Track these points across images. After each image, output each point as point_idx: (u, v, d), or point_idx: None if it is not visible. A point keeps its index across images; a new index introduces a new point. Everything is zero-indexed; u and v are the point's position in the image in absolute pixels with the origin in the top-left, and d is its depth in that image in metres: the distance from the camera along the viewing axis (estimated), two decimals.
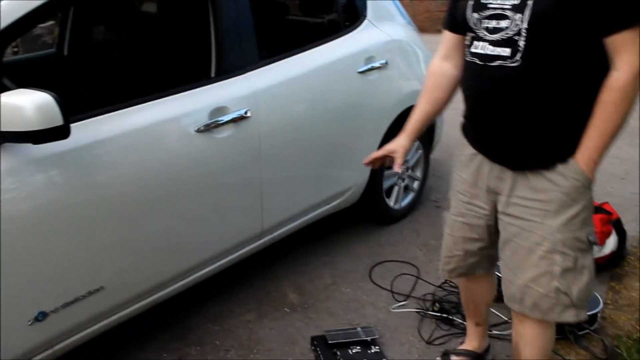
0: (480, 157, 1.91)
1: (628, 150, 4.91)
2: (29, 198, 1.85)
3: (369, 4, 3.29)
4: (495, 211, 1.94)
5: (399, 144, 2.09)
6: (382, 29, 3.30)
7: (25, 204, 1.84)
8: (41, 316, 1.96)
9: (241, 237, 2.67)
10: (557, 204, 1.76)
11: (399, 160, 2.06)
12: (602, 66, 1.63)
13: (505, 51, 1.68)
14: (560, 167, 1.74)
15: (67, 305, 2.03)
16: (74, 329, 2.12)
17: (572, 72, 1.66)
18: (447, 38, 2.01)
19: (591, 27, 1.60)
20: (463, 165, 1.99)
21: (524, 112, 1.72)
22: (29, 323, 1.94)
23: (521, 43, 1.65)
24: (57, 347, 2.09)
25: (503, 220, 1.90)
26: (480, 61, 1.77)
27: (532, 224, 1.80)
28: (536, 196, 1.79)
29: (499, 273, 2.06)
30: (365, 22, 3.24)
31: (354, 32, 3.16)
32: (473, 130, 1.93)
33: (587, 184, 1.75)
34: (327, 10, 3.43)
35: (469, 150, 1.96)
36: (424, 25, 9.01)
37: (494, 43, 1.71)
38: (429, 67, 2.10)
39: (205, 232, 2.48)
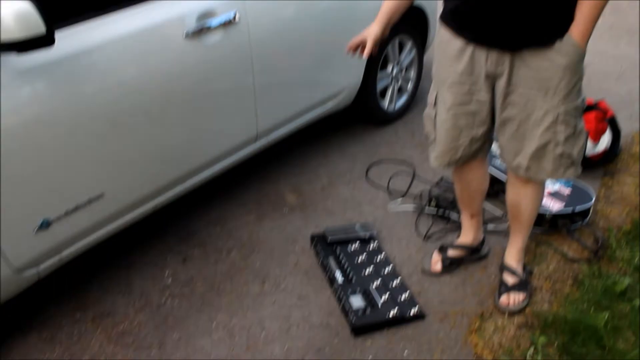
0: (471, 48, 1.93)
1: (626, 49, 4.87)
2: (22, 109, 1.84)
3: None
4: (493, 95, 2.00)
5: (369, 31, 2.08)
6: None
7: (20, 116, 1.83)
8: (45, 224, 2.00)
9: (237, 141, 2.68)
10: (557, 79, 1.86)
11: (368, 47, 2.06)
12: None
13: None
14: (558, 44, 1.82)
15: (69, 212, 2.06)
16: (78, 236, 2.16)
17: None
18: None
19: None
20: (453, 58, 1.99)
21: None
22: (34, 231, 1.98)
23: None
24: (63, 253, 2.15)
25: (505, 100, 1.96)
26: None
27: (535, 100, 1.91)
28: (536, 74, 1.87)
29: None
30: None
31: None
32: (470, 18, 1.91)
33: (582, 56, 1.87)
34: None
35: (457, 43, 1.96)
36: None
37: None
38: None
39: (200, 137, 2.48)
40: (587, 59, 1.90)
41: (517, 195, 2.21)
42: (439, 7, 2.11)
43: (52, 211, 2.01)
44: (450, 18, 1.99)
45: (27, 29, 1.67)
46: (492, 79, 1.97)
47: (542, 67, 1.86)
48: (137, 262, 2.57)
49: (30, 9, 1.66)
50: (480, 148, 2.18)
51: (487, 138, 2.16)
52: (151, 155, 2.29)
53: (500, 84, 1.94)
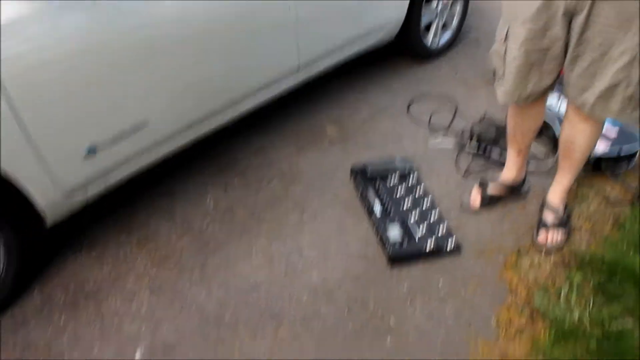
0: None
1: None
2: (68, 38, 1.85)
3: None
4: (569, 32, 1.92)
5: None
6: None
7: (66, 45, 1.85)
8: (92, 149, 2.05)
9: (278, 72, 2.68)
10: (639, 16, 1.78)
11: None
12: None
13: None
14: None
15: (115, 138, 2.11)
16: (123, 162, 2.21)
17: None
18: None
19: None
20: None
21: None
22: (83, 156, 2.04)
23: None
24: (110, 178, 2.21)
25: (581, 37, 1.89)
26: None
27: (613, 38, 1.83)
28: (618, 13, 1.79)
29: None
30: None
31: None
32: None
33: None
34: None
35: None
36: None
37: None
38: None
39: (242, 66, 2.49)
40: None
41: (574, 132, 2.17)
42: None
43: (98, 136, 2.06)
44: None
45: None
46: (569, 15, 1.88)
47: (625, 6, 1.77)
48: (179, 190, 2.63)
49: None
50: (549, 86, 2.11)
51: (557, 74, 2.09)
52: (193, 84, 2.31)
53: (579, 20, 1.86)
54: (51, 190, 2.00)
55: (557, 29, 1.92)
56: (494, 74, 2.21)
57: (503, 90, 2.17)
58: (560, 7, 1.86)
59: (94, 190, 2.18)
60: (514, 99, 2.15)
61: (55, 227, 2.16)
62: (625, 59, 1.84)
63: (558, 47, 1.96)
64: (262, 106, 2.72)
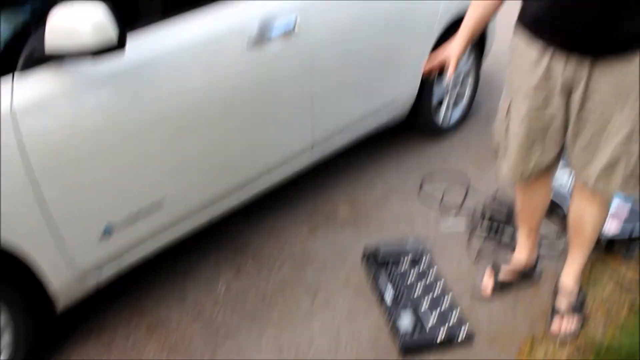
0: (548, 57, 1.87)
1: None
2: (91, 115, 1.90)
3: None
4: (568, 106, 1.95)
5: (452, 50, 2.07)
6: None
7: (89, 122, 1.90)
8: (109, 229, 2.08)
9: (293, 149, 2.71)
10: (637, 93, 1.82)
11: (452, 66, 2.06)
12: None
13: None
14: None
15: (131, 217, 2.14)
16: (138, 242, 2.24)
17: None
18: None
19: None
20: (529, 67, 1.94)
21: None
22: (99, 236, 2.06)
23: None
24: (123, 260, 2.23)
25: (581, 111, 1.91)
26: None
27: (611, 112, 1.86)
28: (615, 86, 1.82)
29: None
30: None
31: None
32: (552, 20, 1.84)
33: None
34: None
35: (533, 51, 1.91)
36: None
37: None
38: None
39: (258, 144, 2.52)
40: None
41: (581, 210, 2.17)
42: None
43: (115, 216, 2.09)
44: (530, 21, 1.92)
45: (101, 35, 1.69)
46: (568, 90, 1.91)
47: (623, 76, 1.80)
48: (193, 271, 2.65)
49: (105, 16, 1.70)
50: (552, 161, 2.12)
51: (559, 151, 2.11)
52: (210, 163, 2.35)
53: (577, 94, 1.89)
54: (65, 271, 2.02)
55: (556, 105, 1.95)
56: (497, 150, 2.24)
57: (506, 166, 2.19)
58: (557, 83, 1.90)
59: (107, 272, 2.20)
60: (518, 175, 2.17)
61: (64, 309, 2.16)
62: (624, 132, 1.87)
63: (558, 123, 1.99)
64: (275, 186, 2.75)
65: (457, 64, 2.08)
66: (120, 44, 1.77)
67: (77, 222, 1.99)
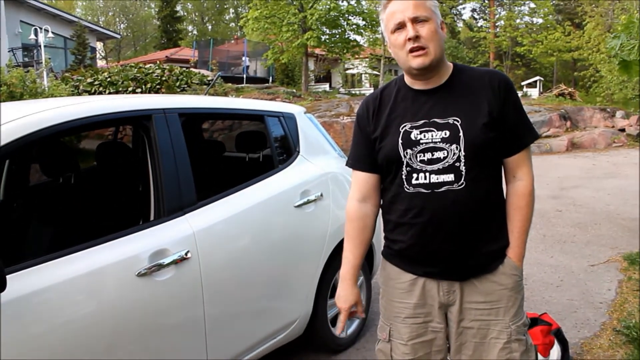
0: (422, 281, 2.04)
1: (560, 258, 5.11)
2: None
3: (301, 140, 3.46)
4: (447, 322, 2.06)
5: (352, 295, 2.15)
6: (315, 163, 3.45)
7: None
8: None
9: None
10: (506, 300, 2.00)
11: (360, 308, 2.18)
12: (500, 179, 2.05)
13: (450, 177, 1.94)
14: (501, 268, 2.01)
15: None
16: None
17: (493, 184, 2.01)
18: (364, 179, 2.12)
19: (503, 149, 2.00)
20: (404, 292, 2.07)
21: (472, 226, 1.97)
22: None
23: (462, 168, 1.92)
24: None
25: (460, 326, 2.03)
26: (427, 189, 1.95)
27: (488, 322, 2.00)
28: (486, 298, 2.00)
29: None
30: (299, 157, 3.38)
31: (289, 167, 3.29)
32: (421, 254, 2.02)
33: (521, 276, 2.06)
34: (262, 146, 3.58)
35: (406, 277, 2.06)
36: None
37: (437, 172, 1.94)
38: (347, 210, 2.16)
39: None
40: (527, 271, 2.02)
41: None
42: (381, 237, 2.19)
43: None
44: (397, 257, 2.09)
45: None
46: (444, 308, 2.04)
47: (491, 289, 2.00)
48: None
49: None
50: None
51: None
52: None
53: (453, 311, 2.02)
54: None
55: (437, 322, 2.06)
56: None
57: None
58: (435, 301, 2.04)
59: None
60: None
61: None
62: (502, 339, 1.99)
63: (440, 339, 2.08)
64: None
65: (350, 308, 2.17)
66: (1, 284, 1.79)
67: None
